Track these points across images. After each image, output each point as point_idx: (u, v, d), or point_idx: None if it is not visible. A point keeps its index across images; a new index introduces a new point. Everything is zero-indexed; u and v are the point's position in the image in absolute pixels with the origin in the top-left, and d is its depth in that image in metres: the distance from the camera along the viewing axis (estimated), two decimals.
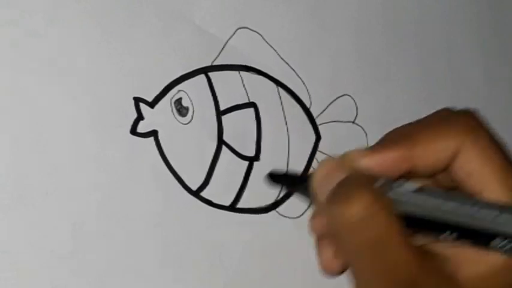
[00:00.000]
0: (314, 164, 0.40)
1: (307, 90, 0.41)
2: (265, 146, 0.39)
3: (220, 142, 0.38)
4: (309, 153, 0.40)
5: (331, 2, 0.41)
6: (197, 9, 0.38)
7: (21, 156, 0.33)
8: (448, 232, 0.33)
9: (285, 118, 0.40)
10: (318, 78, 0.41)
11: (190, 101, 0.37)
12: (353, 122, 0.42)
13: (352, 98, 0.42)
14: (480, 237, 0.32)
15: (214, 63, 0.38)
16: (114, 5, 0.35)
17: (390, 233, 0.33)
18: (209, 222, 0.37)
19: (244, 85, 0.39)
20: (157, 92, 0.36)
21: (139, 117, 0.36)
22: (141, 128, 0.36)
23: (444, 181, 0.36)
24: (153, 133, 0.36)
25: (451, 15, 0.45)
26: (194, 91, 0.37)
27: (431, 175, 0.36)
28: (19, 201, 0.33)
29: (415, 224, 0.34)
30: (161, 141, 0.36)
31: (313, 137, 0.41)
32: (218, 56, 0.38)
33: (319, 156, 0.40)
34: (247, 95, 0.39)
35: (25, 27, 0.33)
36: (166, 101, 0.37)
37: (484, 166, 0.34)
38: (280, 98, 0.40)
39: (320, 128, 0.41)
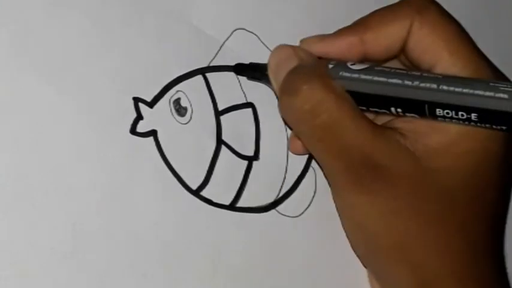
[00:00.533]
0: (313, 163, 0.40)
1: None
2: (264, 145, 0.39)
3: (219, 142, 0.38)
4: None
5: (328, 3, 0.42)
6: (194, 11, 0.38)
7: (20, 156, 0.33)
8: (393, 107, 0.34)
9: (282, 118, 0.40)
10: None
11: (189, 101, 0.37)
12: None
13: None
14: (422, 109, 0.33)
15: (212, 64, 0.38)
16: (113, 5, 0.36)
17: (340, 116, 0.34)
18: (209, 221, 0.37)
19: (241, 86, 0.39)
20: (156, 92, 0.37)
21: (139, 117, 0.36)
22: (141, 127, 0.36)
23: (406, 64, 0.37)
24: (153, 133, 0.36)
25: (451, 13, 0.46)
26: (192, 91, 0.38)
27: (387, 59, 0.37)
28: (19, 200, 0.33)
29: (365, 102, 0.35)
30: (161, 141, 0.36)
31: None
32: (215, 56, 0.38)
33: None
34: (245, 95, 0.39)
35: (24, 27, 0.34)
36: (165, 101, 0.37)
37: (434, 41, 0.35)
38: (277, 98, 0.40)
39: None
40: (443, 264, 0.35)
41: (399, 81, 0.34)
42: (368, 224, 0.35)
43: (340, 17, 0.42)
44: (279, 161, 0.39)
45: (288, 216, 0.39)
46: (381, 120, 0.37)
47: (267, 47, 0.40)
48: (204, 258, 0.36)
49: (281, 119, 0.40)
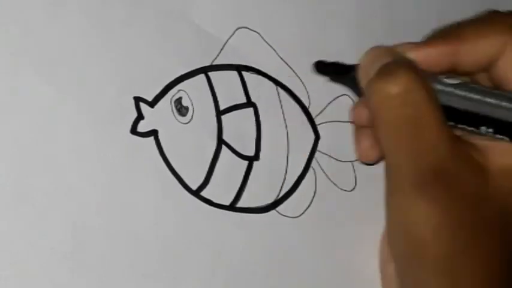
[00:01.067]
0: (313, 163, 0.40)
1: (306, 90, 0.41)
2: (264, 145, 0.39)
3: (220, 142, 0.38)
4: (308, 152, 0.40)
5: (331, 1, 0.41)
6: (197, 9, 0.38)
7: (21, 155, 0.33)
8: (485, 127, 0.34)
9: (284, 118, 0.40)
10: (317, 78, 0.41)
11: (190, 100, 0.37)
12: (352, 122, 0.42)
13: (351, 98, 0.42)
14: None
15: (214, 63, 0.38)
16: (114, 4, 0.35)
17: (427, 112, 0.34)
18: (209, 222, 0.37)
19: (243, 85, 0.39)
20: (157, 92, 0.36)
21: (140, 116, 0.36)
22: (141, 127, 0.36)
23: (483, 81, 0.37)
24: (153, 132, 0.36)
25: (451, 15, 0.45)
26: (194, 91, 0.37)
27: (473, 73, 0.37)
28: (19, 200, 0.33)
29: (454, 117, 0.35)
30: (161, 141, 0.36)
31: (312, 137, 0.41)
32: (218, 55, 0.38)
33: (318, 155, 0.41)
34: (247, 94, 0.39)
35: (24, 27, 0.33)
36: (166, 101, 0.37)
37: None
38: (279, 97, 0.40)
39: (319, 127, 0.41)
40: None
41: (497, 102, 0.34)
42: (419, 231, 0.34)
43: (343, 15, 0.42)
44: (279, 161, 0.39)
45: (288, 216, 0.39)
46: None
47: (270, 46, 0.40)
48: (204, 258, 0.37)
49: (282, 120, 0.39)
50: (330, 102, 0.41)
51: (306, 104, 0.41)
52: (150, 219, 0.35)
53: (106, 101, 0.35)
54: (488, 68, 0.36)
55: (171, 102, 0.37)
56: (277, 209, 0.39)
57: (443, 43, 0.36)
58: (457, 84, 0.35)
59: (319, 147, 0.41)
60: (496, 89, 0.35)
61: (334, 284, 0.40)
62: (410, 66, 0.35)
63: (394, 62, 0.35)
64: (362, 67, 0.37)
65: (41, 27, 0.34)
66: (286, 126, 0.40)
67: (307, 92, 0.41)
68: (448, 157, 0.34)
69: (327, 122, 0.41)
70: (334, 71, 0.38)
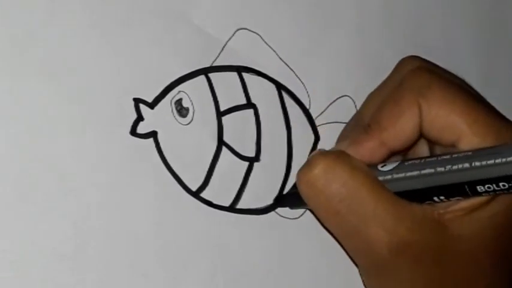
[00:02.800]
0: None
1: (307, 91, 0.41)
2: (265, 146, 0.39)
3: (221, 143, 0.38)
4: (308, 154, 0.40)
5: (331, 2, 0.42)
6: (196, 10, 0.38)
7: (21, 155, 0.33)
8: (436, 197, 0.34)
9: (284, 119, 0.40)
10: (318, 79, 0.41)
11: (191, 101, 0.37)
12: None
13: (351, 99, 0.42)
14: (464, 190, 0.33)
15: (214, 64, 0.38)
16: (114, 5, 0.35)
17: (355, 186, 0.34)
18: (209, 223, 0.37)
19: (243, 86, 0.39)
20: (157, 93, 0.37)
21: (139, 118, 0.36)
22: (141, 128, 0.36)
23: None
24: (153, 134, 0.36)
25: (451, 16, 0.45)
26: (194, 92, 0.37)
27: (410, 147, 0.37)
28: (19, 200, 0.33)
29: (408, 198, 0.34)
30: (161, 142, 0.36)
31: (312, 138, 0.41)
32: (218, 56, 0.38)
33: None
34: (247, 96, 0.39)
35: (24, 27, 0.33)
36: (166, 102, 0.37)
37: (448, 118, 0.35)
38: (279, 99, 0.40)
39: (319, 129, 0.41)
40: None
41: (432, 171, 0.34)
42: None
43: (342, 17, 0.42)
44: (279, 162, 0.39)
45: (288, 218, 0.39)
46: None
47: (270, 47, 0.40)
48: (203, 259, 0.37)
49: (283, 121, 0.40)
50: (331, 103, 0.41)
51: (307, 105, 0.41)
52: (150, 220, 0.36)
53: (106, 102, 0.35)
54: (418, 138, 0.36)
55: (171, 103, 0.37)
56: (277, 210, 0.39)
57: (367, 139, 0.36)
58: (393, 169, 0.35)
59: (319, 148, 0.41)
60: (429, 157, 0.35)
61: (333, 285, 0.40)
62: (336, 151, 0.35)
63: (317, 155, 0.36)
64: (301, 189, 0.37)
65: (41, 28, 0.34)
66: (286, 128, 0.40)
67: (308, 93, 0.41)
68: (397, 223, 0.34)
69: (327, 124, 0.41)
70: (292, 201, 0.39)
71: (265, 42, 0.40)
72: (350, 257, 0.38)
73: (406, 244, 0.34)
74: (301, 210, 0.39)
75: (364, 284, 0.38)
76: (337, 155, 0.35)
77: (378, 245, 0.34)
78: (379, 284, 0.36)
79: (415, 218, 0.34)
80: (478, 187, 0.33)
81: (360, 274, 0.38)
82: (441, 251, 0.34)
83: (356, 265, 0.38)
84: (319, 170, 0.34)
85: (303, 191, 0.36)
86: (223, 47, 0.38)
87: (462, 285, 0.35)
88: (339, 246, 0.40)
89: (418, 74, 0.36)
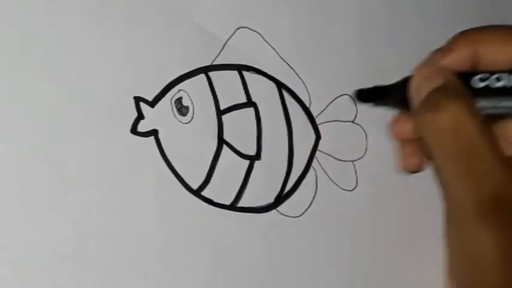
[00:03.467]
0: (314, 163, 0.40)
1: (307, 89, 0.41)
2: (265, 145, 0.39)
3: (221, 141, 0.38)
4: (309, 152, 0.40)
5: (331, 1, 0.41)
6: (197, 9, 0.38)
7: (22, 155, 0.33)
8: None
9: (284, 117, 0.40)
10: (318, 78, 0.41)
11: (191, 100, 0.37)
12: (353, 122, 0.42)
13: (351, 97, 0.42)
14: None
15: (214, 63, 0.38)
16: (114, 4, 0.35)
17: (482, 143, 0.34)
18: (210, 221, 0.37)
19: (244, 85, 0.39)
20: (157, 92, 0.36)
21: (140, 116, 0.36)
22: (142, 127, 0.36)
23: None
24: (154, 132, 0.36)
25: (452, 14, 0.45)
26: (194, 90, 0.37)
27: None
28: (19, 200, 0.33)
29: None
30: (162, 141, 0.36)
31: (313, 136, 0.41)
32: (218, 55, 0.38)
33: (319, 155, 0.40)
34: (247, 94, 0.39)
35: (25, 27, 0.33)
36: (166, 101, 0.37)
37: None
38: (280, 97, 0.40)
39: (320, 127, 0.41)
40: None
41: None
42: (482, 262, 0.35)
43: (343, 16, 0.42)
44: (280, 161, 0.39)
45: (289, 216, 0.39)
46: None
47: (271, 46, 0.40)
48: (204, 258, 0.37)
49: (283, 119, 0.39)
50: (331, 101, 0.41)
51: (307, 103, 0.40)
52: (151, 219, 0.35)
53: (106, 100, 0.35)
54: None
55: (171, 102, 0.37)
56: (278, 208, 0.39)
57: (464, 46, 0.37)
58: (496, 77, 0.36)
59: (320, 146, 0.41)
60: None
61: (333, 284, 0.40)
62: (460, 96, 0.35)
63: (441, 89, 0.36)
64: (413, 87, 0.37)
65: (41, 27, 0.34)
66: (287, 126, 0.40)
67: (308, 92, 0.41)
68: (506, 186, 0.34)
69: (327, 122, 0.41)
70: (379, 96, 0.39)
71: (265, 41, 0.39)
72: (446, 199, 0.36)
73: (506, 200, 0.34)
74: (302, 209, 0.39)
75: (449, 229, 0.37)
76: (468, 103, 0.35)
77: (487, 196, 0.34)
78: (476, 233, 0.35)
79: None
80: None
81: (448, 221, 0.37)
82: None
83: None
84: (450, 117, 0.34)
85: (427, 133, 0.36)
86: (224, 45, 0.38)
87: None
88: (338, 246, 0.40)
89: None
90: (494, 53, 0.37)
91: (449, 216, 0.36)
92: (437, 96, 0.35)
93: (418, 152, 0.40)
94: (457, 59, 0.37)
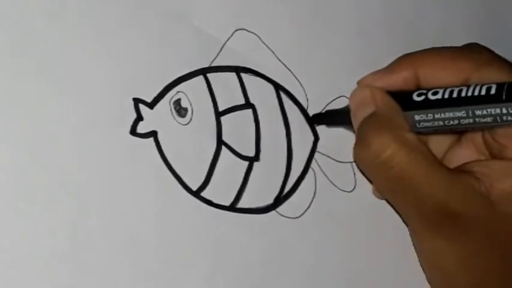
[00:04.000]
0: (313, 164, 0.40)
1: (305, 91, 0.41)
2: (264, 146, 0.39)
3: (220, 142, 0.38)
4: (308, 153, 0.40)
5: (329, 3, 0.42)
6: (195, 11, 0.38)
7: (21, 156, 0.33)
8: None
9: (283, 119, 0.40)
10: (316, 79, 0.41)
11: (189, 101, 0.37)
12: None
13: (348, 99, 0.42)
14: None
15: (213, 65, 0.38)
16: (113, 5, 0.36)
17: (412, 169, 0.36)
18: (209, 222, 0.37)
19: (242, 86, 0.39)
20: (156, 93, 0.37)
21: (139, 117, 0.36)
22: (141, 128, 0.36)
23: None
24: (153, 134, 0.36)
25: (450, 16, 0.46)
26: (193, 92, 0.38)
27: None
28: (19, 200, 0.33)
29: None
30: (161, 142, 0.36)
31: (311, 138, 0.41)
32: (216, 57, 0.38)
33: (317, 156, 0.41)
34: (246, 96, 0.39)
35: (24, 28, 0.34)
36: (165, 102, 0.37)
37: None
38: (278, 99, 0.40)
39: (318, 128, 0.41)
40: None
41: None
42: (446, 265, 0.37)
43: (341, 18, 0.42)
44: (279, 162, 0.39)
45: (288, 217, 0.39)
46: (457, 160, 0.38)
47: (268, 48, 0.40)
48: (204, 259, 0.36)
49: (281, 121, 0.40)
50: (329, 103, 0.42)
51: (305, 105, 0.41)
52: (150, 220, 0.35)
53: (105, 102, 0.35)
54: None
55: (170, 103, 0.37)
56: (278, 209, 0.39)
57: (403, 69, 0.39)
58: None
59: (319, 148, 0.41)
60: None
61: (333, 284, 0.40)
62: (386, 126, 0.36)
63: (370, 121, 0.37)
64: (351, 114, 0.39)
65: (40, 28, 0.34)
66: (285, 128, 0.40)
67: (306, 93, 0.41)
68: (450, 197, 0.36)
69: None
70: (330, 121, 0.40)
71: (263, 42, 0.40)
72: (399, 214, 0.39)
73: (456, 215, 0.35)
74: (301, 210, 0.39)
75: (413, 243, 0.39)
76: (393, 134, 0.36)
77: (429, 212, 0.36)
78: (426, 245, 0.37)
79: (465, 192, 0.36)
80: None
81: (410, 236, 0.39)
82: (491, 226, 0.36)
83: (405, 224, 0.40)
84: (376, 152, 0.36)
85: (361, 167, 0.38)
86: (222, 47, 0.39)
87: (509, 260, 0.36)
88: (338, 247, 0.40)
89: (480, 50, 0.39)
90: (434, 76, 0.38)
91: (408, 226, 0.39)
92: (364, 130, 0.37)
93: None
94: (399, 80, 0.38)
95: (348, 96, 0.42)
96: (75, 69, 0.35)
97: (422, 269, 0.40)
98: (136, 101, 0.36)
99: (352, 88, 0.42)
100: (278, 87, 0.40)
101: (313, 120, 0.40)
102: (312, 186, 0.40)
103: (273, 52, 0.40)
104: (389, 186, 0.37)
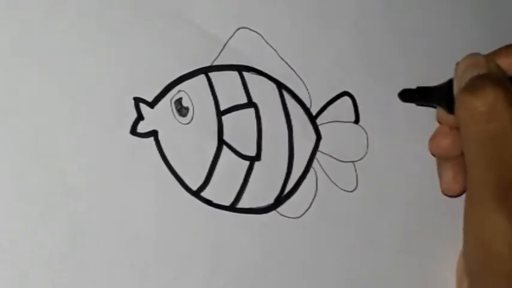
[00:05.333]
0: (315, 164, 0.40)
1: (308, 90, 0.41)
2: (265, 146, 0.39)
3: (221, 142, 0.38)
4: (309, 153, 0.40)
5: (332, 2, 0.41)
6: (197, 10, 0.38)
7: (21, 155, 0.33)
8: None
9: (285, 118, 0.40)
10: (318, 78, 0.41)
11: (191, 101, 0.37)
12: (353, 122, 0.42)
13: (352, 98, 0.42)
14: None
15: (215, 63, 0.38)
16: (114, 4, 0.35)
17: (508, 131, 0.35)
18: (209, 222, 0.37)
19: (244, 85, 0.39)
20: (157, 92, 0.36)
21: (140, 117, 0.36)
22: (141, 128, 0.36)
23: None
24: (153, 133, 0.36)
25: (451, 15, 0.45)
26: (194, 91, 0.37)
27: None
28: (19, 200, 0.33)
29: None
30: (161, 142, 0.36)
31: (313, 137, 0.41)
32: (218, 56, 0.38)
33: (319, 156, 0.40)
34: (248, 95, 0.39)
35: (25, 27, 0.33)
36: (166, 101, 0.37)
37: None
38: (280, 98, 0.40)
39: (320, 128, 0.41)
40: None
41: None
42: (497, 245, 0.35)
43: (343, 16, 0.42)
44: (280, 161, 0.39)
45: (289, 217, 0.39)
46: None
47: (271, 46, 0.40)
48: (204, 258, 0.37)
49: (284, 119, 0.39)
50: (331, 102, 0.41)
51: (307, 104, 0.40)
52: (150, 220, 0.36)
53: (106, 101, 0.35)
54: None
55: (171, 102, 0.37)
56: (278, 209, 0.39)
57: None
58: None
59: (320, 147, 0.41)
60: None
61: (334, 284, 0.40)
62: (499, 82, 0.36)
63: (483, 76, 0.37)
64: (456, 76, 0.39)
65: (41, 28, 0.34)
66: (287, 127, 0.40)
67: (308, 92, 0.41)
68: None
69: (328, 123, 0.41)
70: (422, 96, 0.41)
71: (266, 41, 0.39)
72: (469, 183, 0.37)
73: None
74: (302, 210, 0.39)
75: (467, 213, 0.37)
76: (507, 90, 0.36)
77: (507, 182, 0.35)
78: (484, 216, 0.36)
79: None
80: None
81: (468, 205, 0.38)
82: None
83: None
84: (488, 103, 0.35)
85: (461, 114, 0.37)
86: (224, 46, 0.38)
87: None
88: (338, 247, 0.40)
89: None
90: None
91: (469, 197, 0.37)
92: (478, 81, 0.37)
93: (459, 176, 0.41)
94: (503, 65, 0.38)
95: (350, 95, 0.41)
96: (76, 69, 0.35)
97: (464, 242, 0.38)
98: (137, 100, 0.36)
99: (355, 86, 0.41)
100: (280, 86, 0.40)
101: (402, 96, 0.40)
102: (313, 186, 0.40)
103: (275, 51, 0.40)
104: (481, 139, 0.36)
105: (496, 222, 0.35)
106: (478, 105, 0.36)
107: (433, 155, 0.42)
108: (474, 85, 0.36)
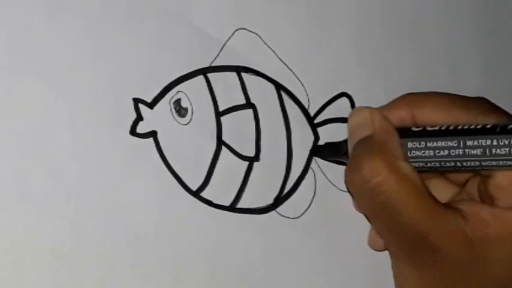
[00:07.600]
0: (313, 165, 0.40)
1: (306, 91, 0.41)
2: (264, 146, 0.39)
3: (220, 142, 0.38)
4: (308, 153, 0.40)
5: (330, 3, 0.42)
6: (196, 11, 0.38)
7: (21, 156, 0.33)
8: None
9: (283, 119, 0.40)
10: (317, 79, 0.41)
11: (189, 101, 0.37)
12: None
13: (350, 99, 0.42)
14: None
15: (213, 64, 0.38)
16: (113, 5, 0.36)
17: (398, 197, 0.35)
18: (209, 223, 0.37)
19: (242, 86, 0.39)
20: (156, 93, 0.37)
21: (139, 117, 0.36)
22: (141, 128, 0.36)
23: None
24: (153, 134, 0.36)
25: (450, 15, 0.46)
26: (193, 92, 0.38)
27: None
28: (19, 200, 0.33)
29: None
30: (160, 142, 0.36)
31: (311, 138, 0.41)
32: (217, 57, 0.38)
33: None
34: (246, 96, 0.39)
35: (24, 28, 0.34)
36: (165, 102, 0.37)
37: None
38: (278, 98, 0.40)
39: (318, 128, 0.41)
40: None
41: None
42: None
43: (342, 17, 0.42)
44: (279, 162, 0.39)
45: (288, 217, 0.39)
46: (447, 194, 0.39)
47: (269, 47, 0.40)
48: (203, 259, 0.37)
49: (282, 121, 0.40)
50: (330, 103, 0.41)
51: (306, 105, 0.41)
52: (150, 220, 0.36)
53: (105, 102, 0.35)
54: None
55: (170, 103, 0.37)
56: (277, 209, 0.39)
57: (400, 108, 0.38)
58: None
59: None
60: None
61: (333, 284, 0.40)
62: (379, 152, 0.36)
63: (364, 145, 0.37)
64: (348, 133, 0.39)
65: (40, 28, 0.34)
66: (285, 127, 0.40)
67: (307, 93, 0.41)
68: (432, 229, 0.35)
69: (326, 123, 0.41)
70: (328, 152, 0.40)
71: (264, 42, 0.40)
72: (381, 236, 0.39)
73: (434, 249, 0.35)
74: (301, 210, 0.40)
75: (392, 267, 0.39)
76: (385, 161, 0.36)
77: (409, 241, 0.36)
78: (400, 270, 0.38)
79: (449, 228, 0.36)
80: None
81: (391, 261, 0.39)
82: (468, 267, 0.36)
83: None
84: (365, 177, 0.36)
85: (350, 190, 0.38)
86: (223, 47, 0.39)
87: None
88: (337, 247, 0.40)
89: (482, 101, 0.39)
90: (429, 118, 0.38)
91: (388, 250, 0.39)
92: (357, 152, 0.37)
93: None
94: (396, 118, 0.38)
95: (349, 95, 0.42)
96: (75, 69, 0.35)
97: None
98: (136, 101, 0.36)
99: (353, 87, 0.42)
100: (279, 87, 0.40)
101: (312, 152, 0.40)
102: (312, 186, 0.40)
103: (273, 52, 0.40)
104: (374, 212, 0.37)
105: (412, 275, 0.37)
106: (361, 183, 0.36)
107: None
108: (354, 161, 0.37)
